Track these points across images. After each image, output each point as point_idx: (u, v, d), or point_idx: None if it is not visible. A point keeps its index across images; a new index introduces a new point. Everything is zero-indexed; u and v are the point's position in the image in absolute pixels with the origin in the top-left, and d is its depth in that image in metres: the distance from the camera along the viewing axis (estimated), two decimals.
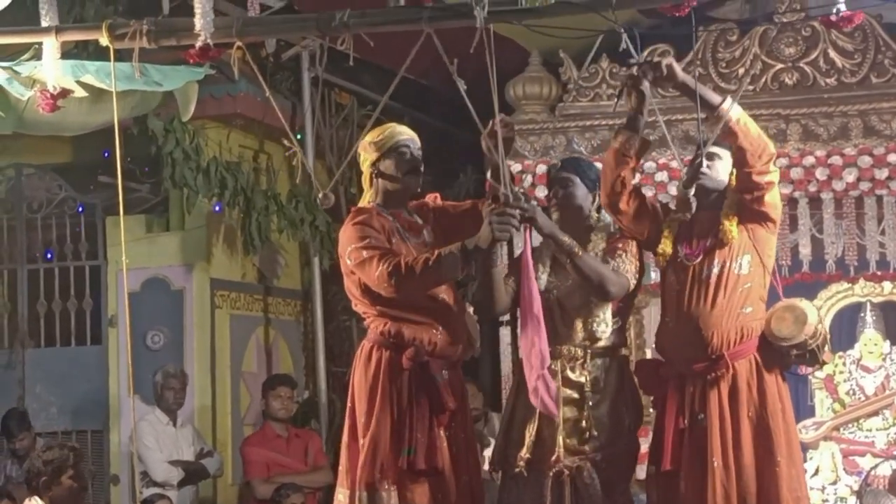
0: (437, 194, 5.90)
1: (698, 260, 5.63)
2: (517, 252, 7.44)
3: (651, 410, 6.04)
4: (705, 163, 5.58)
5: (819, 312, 5.76)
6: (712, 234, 5.61)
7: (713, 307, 5.56)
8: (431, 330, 5.49)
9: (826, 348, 5.75)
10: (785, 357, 5.64)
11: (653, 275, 8.51)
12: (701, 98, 5.50)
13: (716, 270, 5.57)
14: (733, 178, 5.66)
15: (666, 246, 5.72)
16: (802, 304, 5.65)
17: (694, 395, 5.61)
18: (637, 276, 5.76)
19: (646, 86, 5.53)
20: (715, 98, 5.53)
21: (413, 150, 5.63)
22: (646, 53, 5.47)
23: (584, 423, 5.62)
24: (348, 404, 5.66)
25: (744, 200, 5.57)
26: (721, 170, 5.67)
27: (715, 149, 5.66)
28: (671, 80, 5.51)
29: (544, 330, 5.32)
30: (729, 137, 5.50)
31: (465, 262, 5.32)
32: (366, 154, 5.65)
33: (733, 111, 5.47)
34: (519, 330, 5.51)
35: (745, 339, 5.57)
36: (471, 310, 5.86)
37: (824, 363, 5.90)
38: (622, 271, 5.63)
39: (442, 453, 5.47)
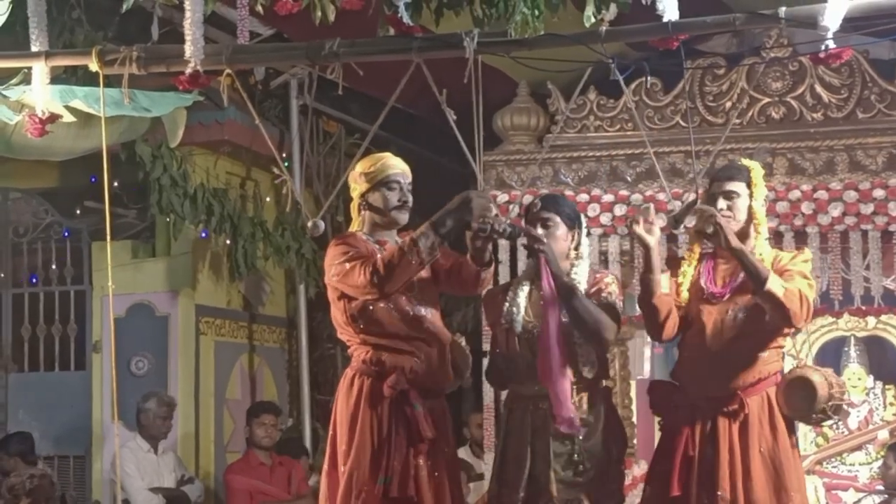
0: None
1: (725, 299, 5.64)
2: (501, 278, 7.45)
3: (634, 441, 6.06)
4: (724, 203, 5.58)
5: (829, 380, 5.66)
6: (742, 277, 5.59)
7: (733, 348, 5.57)
8: (413, 359, 5.49)
9: (843, 406, 5.75)
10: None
11: (637, 307, 8.55)
12: (750, 268, 5.43)
13: (741, 315, 5.58)
14: (755, 212, 5.66)
15: (684, 296, 5.74)
16: (814, 377, 5.61)
17: (705, 426, 5.63)
18: (622, 312, 5.78)
19: (655, 234, 5.55)
20: (762, 272, 5.44)
21: (403, 185, 5.63)
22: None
23: (576, 457, 5.60)
24: (330, 432, 5.66)
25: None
26: (741, 207, 5.63)
27: (731, 185, 5.63)
28: (724, 244, 5.47)
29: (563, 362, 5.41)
30: (776, 310, 5.46)
31: (439, 236, 5.34)
32: (356, 184, 5.66)
33: (774, 285, 5.41)
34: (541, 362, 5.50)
35: (761, 381, 5.61)
36: (462, 340, 5.86)
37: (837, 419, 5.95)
38: (613, 315, 5.63)
39: (419, 482, 5.45)
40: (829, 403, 5.59)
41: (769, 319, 5.51)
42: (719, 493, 5.51)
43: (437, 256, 5.41)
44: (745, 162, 5.83)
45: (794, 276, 5.52)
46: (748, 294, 5.53)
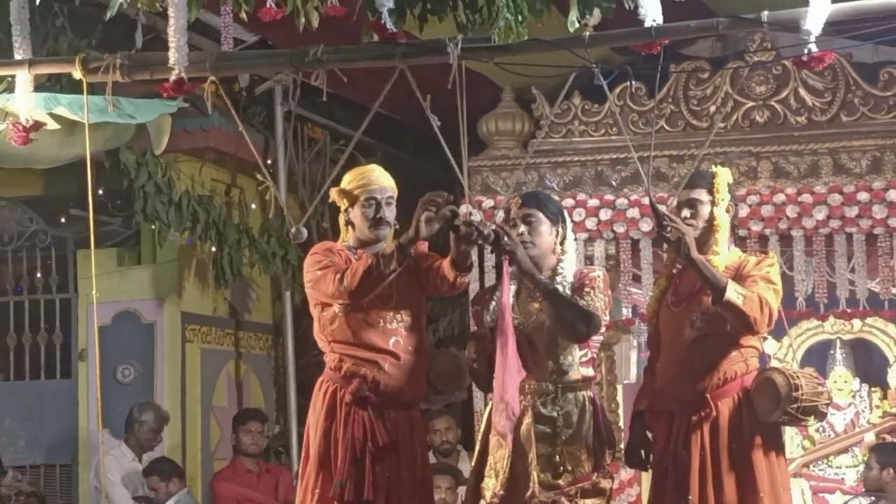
0: (426, 242, 5.91)
1: (682, 307, 5.68)
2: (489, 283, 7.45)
3: (621, 446, 6.08)
4: (687, 212, 5.62)
5: (794, 382, 5.57)
6: (698, 283, 5.61)
7: (695, 351, 5.60)
8: (376, 368, 5.55)
9: (819, 408, 5.70)
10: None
11: (624, 311, 8.56)
12: (708, 279, 5.46)
13: (702, 319, 5.61)
14: (716, 218, 5.67)
15: (653, 303, 5.87)
16: (777, 379, 5.58)
17: (679, 432, 5.66)
18: (606, 311, 5.76)
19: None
20: (720, 282, 5.46)
21: (381, 201, 5.63)
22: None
23: (557, 458, 5.59)
24: (305, 437, 5.76)
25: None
26: (704, 214, 5.67)
27: (694, 194, 5.68)
28: (684, 254, 5.51)
29: (517, 360, 5.37)
30: (737, 318, 5.48)
31: (402, 255, 5.39)
32: (338, 201, 5.69)
33: (732, 294, 5.42)
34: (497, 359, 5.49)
35: (727, 382, 5.62)
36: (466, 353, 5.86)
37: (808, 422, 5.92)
38: (593, 309, 5.60)
39: (377, 488, 5.49)
40: (796, 406, 5.53)
41: (730, 327, 5.54)
42: (689, 497, 5.54)
43: (396, 269, 5.42)
44: (714, 168, 5.83)
45: (757, 282, 5.53)
46: (707, 298, 5.54)
